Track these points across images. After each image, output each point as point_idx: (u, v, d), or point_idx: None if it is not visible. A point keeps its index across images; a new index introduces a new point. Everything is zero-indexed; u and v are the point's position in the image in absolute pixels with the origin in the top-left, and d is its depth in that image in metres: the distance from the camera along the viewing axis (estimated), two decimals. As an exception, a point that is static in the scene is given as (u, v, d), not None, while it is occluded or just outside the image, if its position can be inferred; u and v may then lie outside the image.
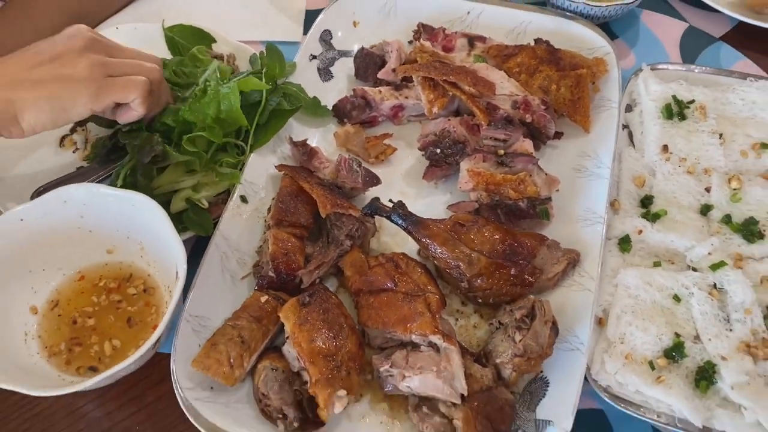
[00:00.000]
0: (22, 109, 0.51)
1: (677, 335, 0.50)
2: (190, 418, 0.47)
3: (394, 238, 0.57)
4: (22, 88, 0.51)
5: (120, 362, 0.45)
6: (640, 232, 0.55)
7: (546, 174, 0.56)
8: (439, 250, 0.52)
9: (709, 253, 0.53)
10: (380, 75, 0.63)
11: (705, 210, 0.56)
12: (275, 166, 0.58)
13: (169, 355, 0.48)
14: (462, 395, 0.46)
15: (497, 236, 0.52)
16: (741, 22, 0.70)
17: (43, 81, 0.51)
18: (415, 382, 0.47)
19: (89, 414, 0.53)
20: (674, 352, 0.49)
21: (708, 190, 0.57)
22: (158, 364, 0.51)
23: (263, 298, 0.51)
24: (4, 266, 0.51)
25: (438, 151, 0.58)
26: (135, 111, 0.55)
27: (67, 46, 0.54)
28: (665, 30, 0.72)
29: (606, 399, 0.48)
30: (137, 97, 0.54)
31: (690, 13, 0.73)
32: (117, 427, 0.52)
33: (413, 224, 0.53)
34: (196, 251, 0.55)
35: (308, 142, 0.60)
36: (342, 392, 0.46)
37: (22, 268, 0.53)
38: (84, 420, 0.52)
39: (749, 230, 0.55)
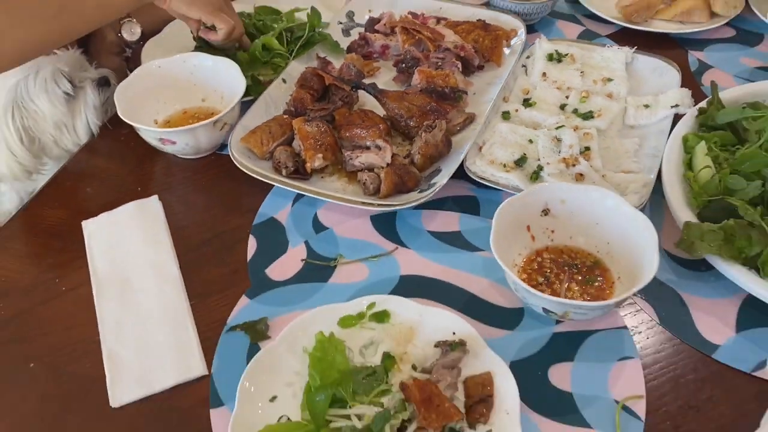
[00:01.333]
0: None
1: (524, 155, 0.83)
2: (239, 167, 0.82)
3: (367, 106, 0.93)
4: None
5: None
6: (517, 110, 0.90)
7: (464, 78, 0.92)
8: (390, 105, 0.88)
9: (557, 123, 0.87)
10: (377, 27, 1.02)
11: (562, 106, 0.91)
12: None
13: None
14: (387, 164, 0.80)
15: (426, 100, 0.87)
16: (623, 26, 1.07)
17: None
18: (362, 158, 0.81)
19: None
20: (520, 162, 0.82)
21: (567, 97, 0.92)
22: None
23: (285, 117, 0.87)
24: (143, 94, 0.90)
25: (403, 65, 0.95)
26: (216, 36, 0.95)
27: None
28: (568, 30, 1.09)
29: (475, 179, 0.81)
30: (224, 28, 0.94)
31: (588, 21, 1.11)
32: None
33: (378, 92, 0.89)
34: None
35: (327, 63, 0.99)
36: (320, 155, 0.81)
37: (152, 98, 0.91)
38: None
39: (586, 116, 0.89)
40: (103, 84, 0.92)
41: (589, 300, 0.68)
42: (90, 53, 1.02)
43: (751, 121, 0.81)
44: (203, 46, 1.00)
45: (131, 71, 0.91)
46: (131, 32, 1.04)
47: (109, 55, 1.06)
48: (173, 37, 1.05)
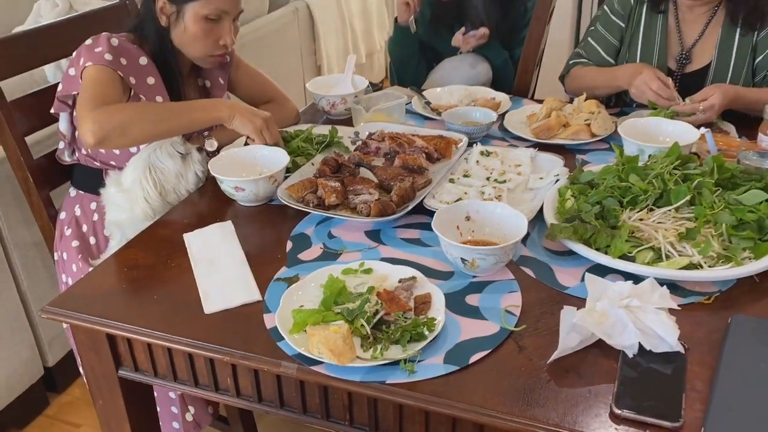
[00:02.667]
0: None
1: (460, 198, 1.33)
2: (284, 201, 1.32)
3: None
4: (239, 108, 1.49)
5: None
6: (458, 179, 1.41)
7: (427, 162, 1.45)
8: (379, 173, 1.39)
9: (482, 185, 1.38)
10: (372, 137, 1.58)
11: (487, 178, 1.42)
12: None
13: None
14: (376, 199, 1.30)
15: (402, 171, 1.39)
16: (535, 142, 1.61)
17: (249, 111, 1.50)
18: (360, 198, 1.31)
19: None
20: (457, 202, 1.32)
21: (491, 173, 1.43)
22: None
23: (313, 178, 1.39)
24: (226, 165, 1.41)
25: (388, 155, 1.49)
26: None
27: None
28: (497, 144, 1.63)
29: (429, 209, 1.29)
30: (270, 141, 1.50)
31: (511, 140, 1.65)
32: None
33: (371, 167, 1.41)
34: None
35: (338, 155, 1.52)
36: (334, 195, 1.32)
37: (231, 168, 1.41)
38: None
39: (501, 181, 1.39)
40: (200, 151, 1.46)
41: (490, 261, 1.15)
42: None
43: (599, 179, 1.31)
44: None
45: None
46: (211, 144, 1.59)
47: None
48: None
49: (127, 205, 1.38)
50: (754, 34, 1.73)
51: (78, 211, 1.61)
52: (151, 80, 1.54)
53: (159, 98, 1.53)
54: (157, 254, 1.26)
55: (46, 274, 1.96)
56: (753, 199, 1.17)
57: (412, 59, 2.07)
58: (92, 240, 1.60)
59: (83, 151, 1.60)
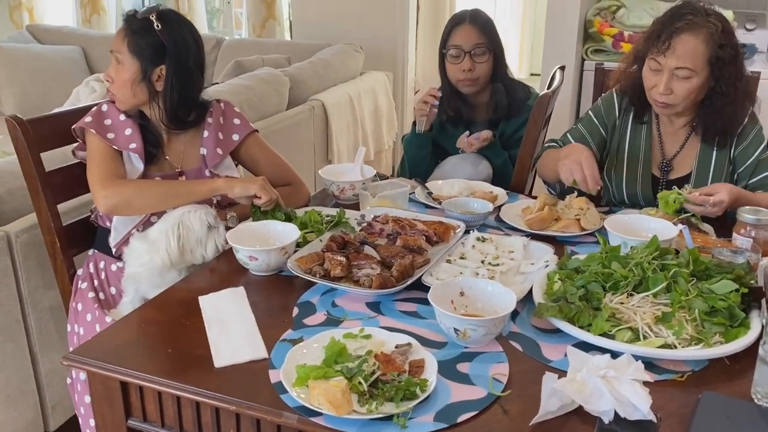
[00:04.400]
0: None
1: (455, 278, 1.43)
2: (293, 271, 1.43)
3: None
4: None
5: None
6: (455, 260, 1.52)
7: (426, 244, 1.57)
8: (381, 251, 1.50)
9: (477, 266, 1.49)
10: (376, 219, 1.70)
11: (482, 261, 1.53)
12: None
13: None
14: (377, 273, 1.40)
15: (403, 250, 1.51)
16: (529, 233, 1.73)
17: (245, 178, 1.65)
18: (363, 272, 1.42)
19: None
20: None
21: (486, 257, 1.55)
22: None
23: (320, 251, 1.50)
24: (243, 237, 1.53)
25: (391, 236, 1.60)
26: (260, 201, 1.63)
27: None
28: (493, 233, 1.75)
29: (427, 285, 1.40)
30: (265, 197, 1.63)
31: (507, 230, 1.77)
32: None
33: (374, 245, 1.53)
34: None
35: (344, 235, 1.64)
36: (339, 268, 1.42)
37: (247, 241, 1.54)
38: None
39: (495, 264, 1.50)
40: (228, 229, 1.59)
41: (481, 332, 1.24)
42: None
43: (585, 265, 1.42)
44: (256, 212, 1.67)
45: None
46: (233, 221, 1.70)
47: None
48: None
49: (147, 256, 1.51)
50: (729, 149, 1.88)
51: (92, 268, 1.76)
52: (128, 131, 1.70)
53: (133, 145, 1.69)
54: (173, 313, 1.35)
55: (57, 339, 2.04)
56: (724, 289, 1.28)
57: (425, 159, 2.23)
58: (101, 295, 1.73)
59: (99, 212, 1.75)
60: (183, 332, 1.29)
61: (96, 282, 1.74)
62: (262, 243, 1.55)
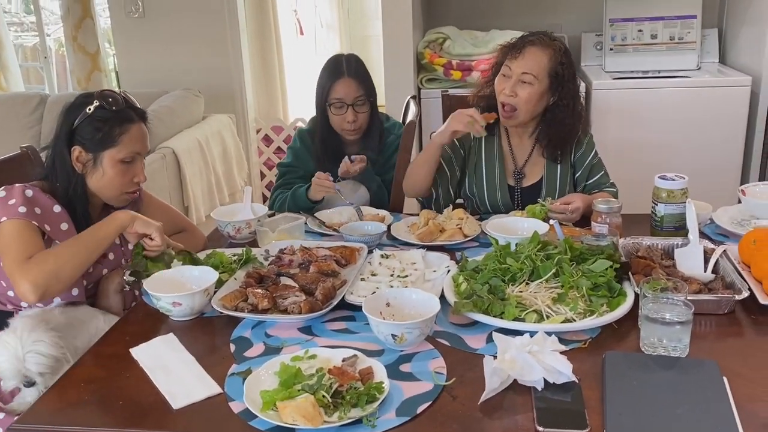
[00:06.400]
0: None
1: (374, 292, 1.56)
2: (220, 310, 1.47)
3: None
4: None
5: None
6: (367, 278, 1.65)
7: (338, 267, 1.68)
8: (299, 279, 1.59)
9: (390, 281, 1.63)
10: (284, 252, 1.78)
11: (391, 275, 1.67)
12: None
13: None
14: (303, 299, 1.49)
15: (319, 276, 1.61)
16: (420, 245, 1.90)
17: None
18: (288, 300, 1.50)
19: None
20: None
21: (393, 272, 1.69)
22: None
23: (241, 288, 1.56)
24: (159, 285, 1.55)
25: (303, 265, 1.70)
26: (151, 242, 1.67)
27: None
28: (389, 251, 1.91)
29: (351, 303, 1.51)
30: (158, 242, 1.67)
31: (400, 245, 1.94)
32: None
33: (291, 275, 1.62)
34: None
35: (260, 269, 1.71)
36: (266, 300, 1.49)
37: (164, 288, 1.55)
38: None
39: (402, 277, 1.65)
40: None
41: (414, 336, 1.38)
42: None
43: (483, 264, 1.61)
44: (139, 254, 1.68)
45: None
46: (131, 281, 1.70)
47: (116, 293, 1.73)
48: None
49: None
50: (570, 155, 2.20)
51: None
52: (64, 226, 1.68)
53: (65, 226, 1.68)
54: (109, 369, 1.35)
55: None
56: (601, 267, 1.52)
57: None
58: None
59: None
60: (127, 384, 1.29)
61: None
62: (179, 289, 1.57)
